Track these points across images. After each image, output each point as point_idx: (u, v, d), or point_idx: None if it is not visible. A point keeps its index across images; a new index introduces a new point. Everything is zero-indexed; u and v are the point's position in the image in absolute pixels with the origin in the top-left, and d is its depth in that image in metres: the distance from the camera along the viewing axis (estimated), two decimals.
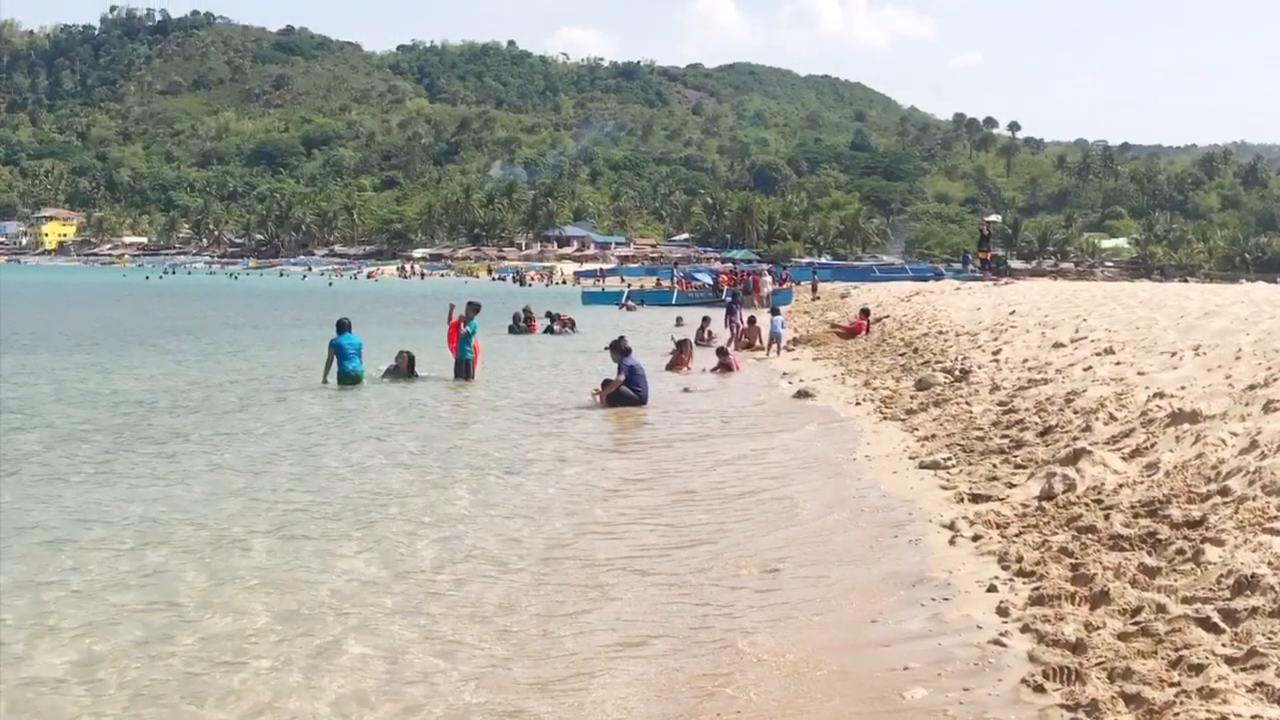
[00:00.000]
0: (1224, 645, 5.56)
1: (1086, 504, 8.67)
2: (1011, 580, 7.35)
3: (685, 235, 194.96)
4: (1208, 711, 4.92)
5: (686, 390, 21.04)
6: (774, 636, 7.03)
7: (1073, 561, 7.34)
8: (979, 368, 18.36)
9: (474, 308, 22.28)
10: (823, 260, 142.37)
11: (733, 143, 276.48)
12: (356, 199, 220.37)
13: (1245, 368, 12.03)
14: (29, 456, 13.17)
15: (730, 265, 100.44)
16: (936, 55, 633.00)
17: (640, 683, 6.42)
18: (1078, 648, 5.93)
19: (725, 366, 24.48)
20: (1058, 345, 18.59)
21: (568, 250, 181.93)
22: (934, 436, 13.56)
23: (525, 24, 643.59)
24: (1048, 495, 9.22)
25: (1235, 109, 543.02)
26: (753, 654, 6.74)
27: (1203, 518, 7.43)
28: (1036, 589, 6.98)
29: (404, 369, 21.81)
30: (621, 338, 20.00)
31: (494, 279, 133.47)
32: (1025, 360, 18.02)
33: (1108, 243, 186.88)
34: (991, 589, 7.23)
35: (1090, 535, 7.83)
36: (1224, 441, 8.93)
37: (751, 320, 33.45)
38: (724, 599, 7.90)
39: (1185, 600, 6.22)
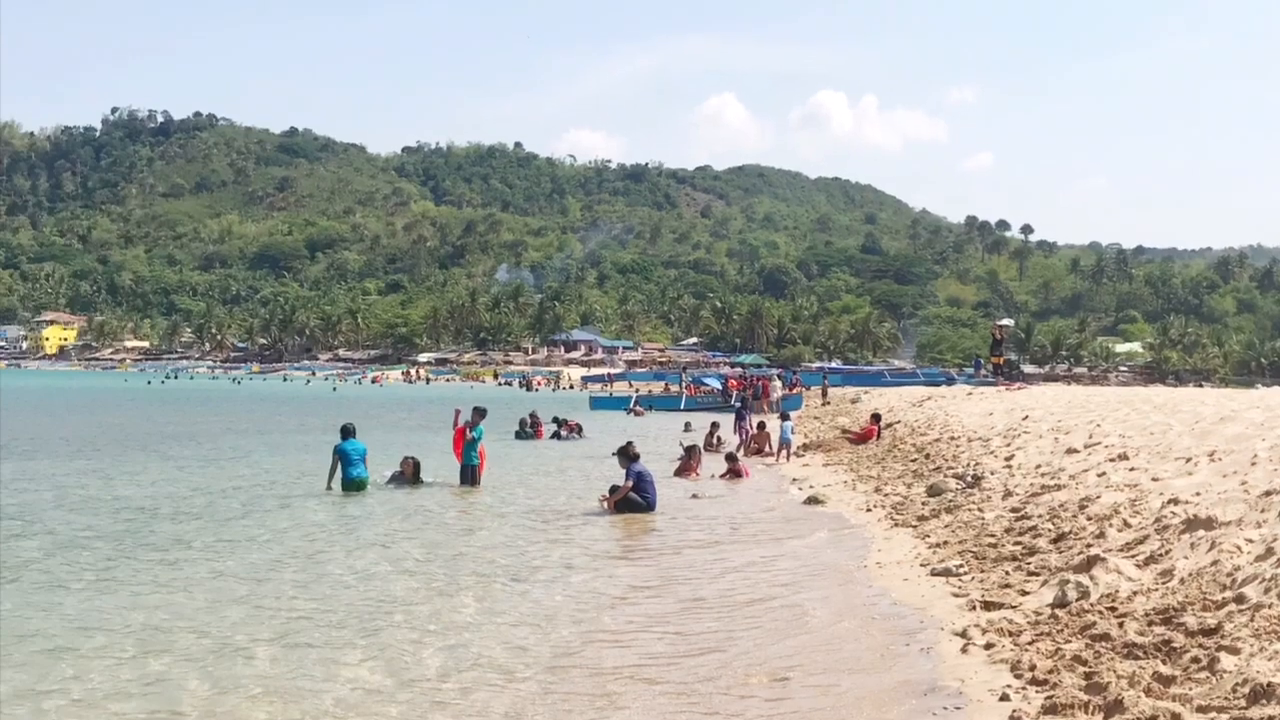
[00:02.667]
0: None
1: (1100, 611, 8.57)
2: (1024, 689, 7.24)
3: (694, 339, 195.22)
4: None
5: (695, 496, 20.97)
6: None
7: (1086, 670, 7.24)
8: (991, 474, 18.28)
9: (480, 413, 22.28)
10: (833, 365, 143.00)
11: (742, 246, 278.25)
12: (361, 303, 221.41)
13: (1261, 473, 11.96)
14: (29, 563, 13.10)
15: (739, 370, 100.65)
16: (948, 157, 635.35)
17: None
18: None
19: (734, 472, 24.38)
20: (1071, 451, 18.51)
21: (575, 355, 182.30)
22: (946, 543, 13.45)
23: (532, 126, 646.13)
24: (1061, 603, 9.12)
25: (1251, 212, 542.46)
26: None
27: (1218, 625, 7.35)
28: (1050, 698, 6.87)
29: (409, 475, 21.75)
30: (629, 443, 19.94)
31: (500, 384, 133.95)
32: (1038, 466, 17.94)
33: (1122, 347, 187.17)
34: (1004, 698, 7.12)
35: (1104, 643, 7.74)
36: (1239, 548, 8.87)
37: (761, 425, 33.44)
38: (733, 708, 7.79)
39: (1200, 709, 6.14)
